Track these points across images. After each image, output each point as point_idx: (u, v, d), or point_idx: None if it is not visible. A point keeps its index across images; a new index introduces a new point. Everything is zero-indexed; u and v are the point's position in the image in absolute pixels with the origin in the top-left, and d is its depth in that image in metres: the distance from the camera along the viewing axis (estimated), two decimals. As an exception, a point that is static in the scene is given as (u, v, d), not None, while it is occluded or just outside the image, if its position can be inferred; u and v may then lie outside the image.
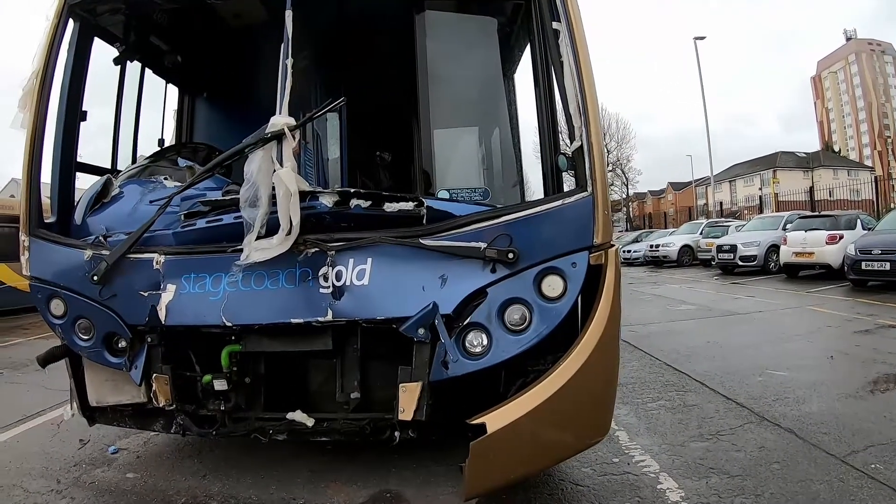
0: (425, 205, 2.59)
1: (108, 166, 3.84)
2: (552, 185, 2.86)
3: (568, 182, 2.74)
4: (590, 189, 2.46)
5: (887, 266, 10.31)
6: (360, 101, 3.70)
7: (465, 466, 2.33)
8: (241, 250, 2.47)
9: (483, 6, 3.33)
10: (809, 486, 2.91)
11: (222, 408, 2.84)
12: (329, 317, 2.53)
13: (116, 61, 3.72)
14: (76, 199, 3.26)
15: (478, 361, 2.46)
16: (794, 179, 46.24)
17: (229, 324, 2.63)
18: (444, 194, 3.06)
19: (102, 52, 3.49)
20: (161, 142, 4.44)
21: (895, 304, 8.82)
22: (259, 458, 3.49)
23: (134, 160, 3.97)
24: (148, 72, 4.12)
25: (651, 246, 22.65)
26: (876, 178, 28.90)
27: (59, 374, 3.36)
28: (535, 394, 2.34)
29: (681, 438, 3.67)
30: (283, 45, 2.64)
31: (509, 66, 3.79)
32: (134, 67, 3.94)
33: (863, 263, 10.75)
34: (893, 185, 32.30)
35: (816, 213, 17.34)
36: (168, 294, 2.70)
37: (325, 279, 2.53)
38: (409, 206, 2.58)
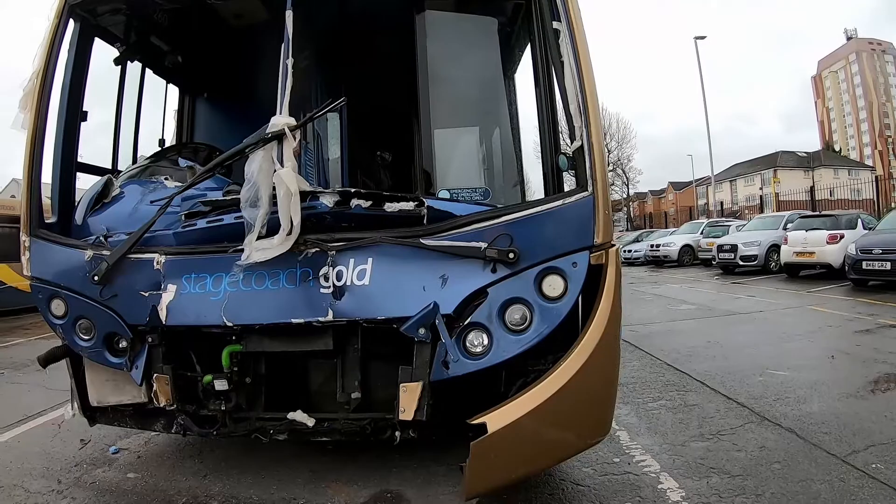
0: (426, 205, 2.59)
1: (109, 166, 3.85)
2: (553, 184, 2.86)
3: (568, 182, 2.74)
4: (590, 189, 2.46)
5: (888, 265, 10.30)
6: (361, 101, 3.70)
7: (465, 466, 2.33)
8: (242, 250, 2.48)
9: (483, 6, 3.33)
10: (810, 486, 2.91)
11: (223, 408, 2.84)
12: (330, 317, 2.53)
13: (117, 61, 3.73)
14: (77, 199, 3.26)
15: (478, 361, 2.46)
16: (794, 179, 46.14)
17: (230, 324, 2.63)
18: (444, 194, 3.06)
19: (103, 53, 3.49)
20: (162, 142, 4.44)
21: (896, 304, 8.82)
22: (260, 458, 3.50)
23: (134, 160, 3.97)
24: (148, 72, 4.12)
25: (652, 246, 22.64)
26: (876, 177, 28.83)
27: (60, 375, 3.37)
28: (535, 394, 2.34)
29: (681, 438, 3.67)
30: (283, 45, 2.64)
31: (510, 65, 3.79)
32: (134, 68, 3.94)
33: (863, 263, 10.74)
34: (894, 185, 32.27)
35: (817, 213, 17.36)
36: (169, 294, 2.70)
37: (326, 279, 2.54)
38: (410, 206, 2.58)
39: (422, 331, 2.47)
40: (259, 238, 2.45)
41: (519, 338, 2.44)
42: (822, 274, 13.34)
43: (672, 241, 22.01)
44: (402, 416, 2.51)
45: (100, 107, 3.66)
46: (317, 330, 2.63)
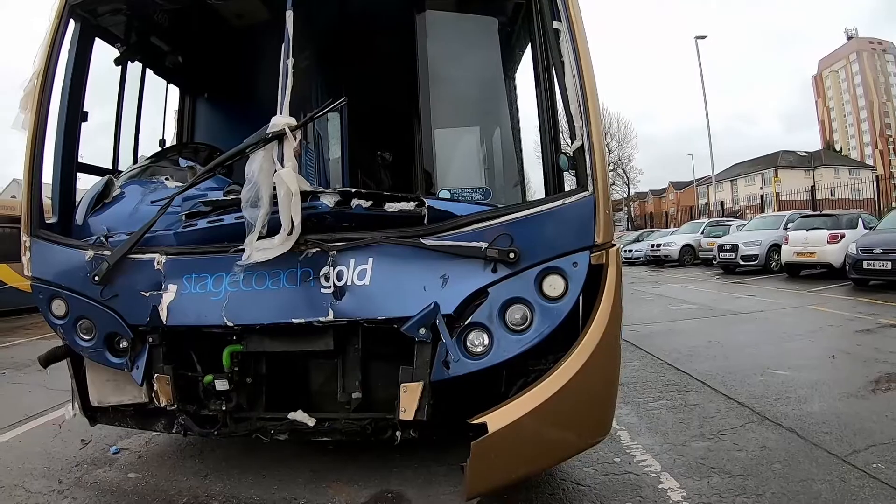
0: (426, 205, 2.59)
1: (110, 167, 3.85)
2: (553, 184, 2.85)
3: (569, 182, 2.74)
4: (591, 188, 2.45)
5: (889, 265, 10.29)
6: (361, 101, 3.70)
7: (466, 466, 2.33)
8: (243, 250, 2.48)
9: (484, 6, 3.33)
10: (811, 486, 2.90)
11: (224, 408, 2.84)
12: (330, 317, 2.53)
13: (117, 62, 3.73)
14: (77, 199, 3.27)
15: (479, 361, 2.46)
16: (795, 179, 46.12)
17: (230, 324, 2.63)
18: (445, 194, 3.06)
19: (103, 53, 3.49)
20: (162, 142, 4.44)
21: (897, 304, 8.82)
22: (260, 458, 3.50)
23: (135, 160, 3.98)
24: (149, 72, 4.13)
25: (652, 245, 22.63)
26: (877, 177, 28.80)
27: (61, 375, 3.37)
28: (536, 393, 2.34)
29: (682, 438, 3.66)
30: (283, 45, 2.64)
31: (510, 65, 3.79)
32: (135, 68, 3.95)
33: (864, 263, 10.74)
34: (895, 184, 32.21)
35: (818, 213, 17.33)
36: (169, 294, 2.70)
37: (327, 279, 2.54)
38: (410, 205, 2.58)
39: (422, 331, 2.47)
40: (260, 238, 2.45)
41: (519, 338, 2.43)
42: (822, 274, 13.33)
43: (673, 240, 22.00)
44: (402, 416, 2.51)
45: (100, 107, 3.67)
46: (317, 330, 2.63)
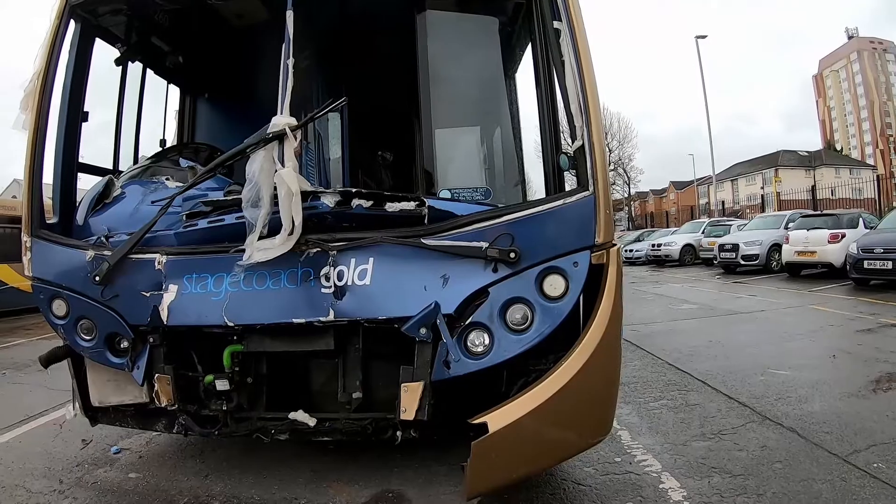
0: (427, 204, 2.59)
1: (110, 167, 3.85)
2: (554, 184, 2.85)
3: (569, 181, 2.74)
4: (591, 188, 2.45)
5: (889, 265, 10.29)
6: (362, 101, 3.70)
7: (466, 466, 2.33)
8: (244, 250, 2.48)
9: (484, 6, 3.33)
10: (811, 486, 2.90)
11: (224, 408, 2.84)
12: (331, 317, 2.53)
13: (118, 62, 3.73)
14: (78, 199, 3.27)
15: (479, 361, 2.46)
16: (795, 178, 46.06)
17: (231, 324, 2.63)
18: (445, 194, 3.06)
19: (104, 53, 3.50)
20: (163, 142, 4.44)
21: (897, 303, 8.81)
22: (261, 458, 3.50)
23: (136, 161, 3.98)
24: (149, 72, 4.13)
25: (653, 245, 22.64)
26: (878, 176, 28.73)
27: (62, 375, 3.37)
28: (536, 393, 2.33)
29: (683, 438, 3.66)
30: (284, 45, 2.64)
31: (510, 65, 3.79)
32: (135, 68, 3.95)
33: (865, 262, 10.73)
34: (895, 184, 32.18)
35: (818, 212, 17.33)
36: (170, 294, 2.71)
37: (327, 279, 2.54)
38: (411, 205, 2.58)
39: (423, 330, 2.47)
40: (260, 238, 2.45)
41: (520, 337, 2.43)
42: (823, 273, 13.33)
43: (673, 240, 22.00)
44: (403, 416, 2.51)
45: (101, 107, 3.67)
46: (318, 330, 2.63)
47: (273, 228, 2.44)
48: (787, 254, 13.95)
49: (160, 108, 4.40)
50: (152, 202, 3.06)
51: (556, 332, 2.42)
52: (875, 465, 3.10)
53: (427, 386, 2.49)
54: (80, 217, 3.16)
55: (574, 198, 2.46)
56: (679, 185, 72.41)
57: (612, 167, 48.39)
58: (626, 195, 56.17)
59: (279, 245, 2.44)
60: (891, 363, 5.27)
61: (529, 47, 3.10)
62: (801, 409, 4.08)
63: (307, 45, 3.16)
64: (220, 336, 2.78)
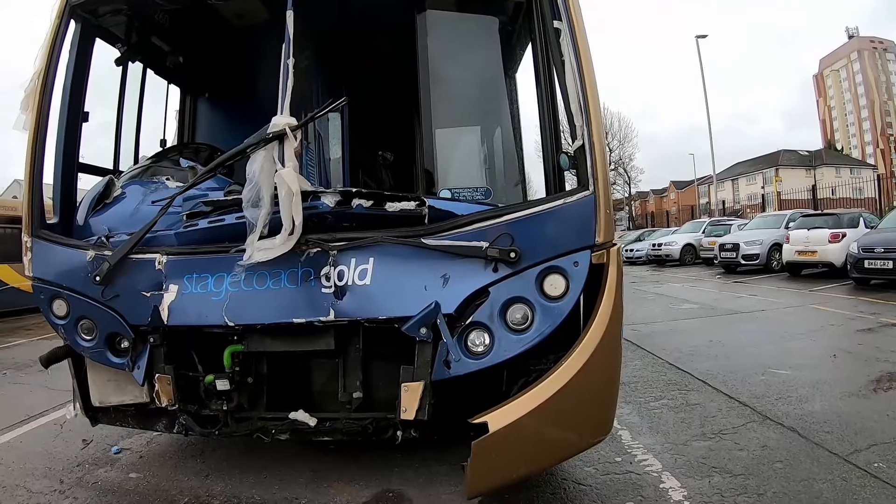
0: (427, 204, 2.59)
1: (111, 167, 3.86)
2: (554, 184, 2.85)
3: (570, 181, 2.74)
4: (591, 188, 2.45)
5: (890, 264, 10.28)
6: (362, 100, 3.70)
7: (467, 466, 2.33)
8: (244, 250, 2.48)
9: (484, 5, 3.33)
10: (812, 486, 2.90)
11: (225, 408, 2.84)
12: (331, 316, 2.54)
13: (118, 62, 3.74)
14: (78, 199, 3.27)
15: (480, 361, 2.46)
16: (796, 178, 46.08)
17: (231, 324, 2.63)
18: (446, 193, 3.06)
19: (104, 53, 3.50)
20: (163, 142, 4.44)
21: (898, 303, 8.80)
22: (261, 458, 3.50)
23: (136, 161, 3.98)
24: (150, 72, 4.13)
25: (653, 245, 22.62)
26: (878, 176, 28.69)
27: (62, 375, 3.37)
28: (537, 393, 2.33)
29: (683, 437, 3.66)
30: (284, 45, 2.64)
31: (511, 65, 3.79)
32: (136, 68, 3.95)
33: (865, 262, 10.72)
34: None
35: (819, 212, 17.33)
36: (170, 294, 2.71)
37: (328, 279, 2.54)
38: (411, 205, 2.58)
39: (423, 330, 2.47)
40: (261, 238, 2.46)
41: (520, 337, 2.43)
42: (824, 273, 13.32)
43: (674, 240, 21.98)
44: (403, 416, 2.51)
45: (101, 107, 3.68)
46: (318, 330, 2.63)
47: (273, 228, 2.44)
48: (788, 253, 13.95)
49: (160, 108, 4.40)
50: (152, 202, 3.06)
51: (557, 331, 2.42)
52: (876, 464, 3.09)
53: (427, 385, 2.49)
54: (80, 217, 3.16)
55: (574, 197, 2.46)
56: (679, 185, 72.39)
57: (612, 167, 48.41)
58: (626, 195, 56.14)
59: (279, 245, 2.44)
60: (891, 363, 5.27)
61: (529, 47, 3.11)
62: (801, 409, 4.08)
63: (307, 45, 3.16)
64: (220, 336, 2.78)
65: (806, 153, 62.18)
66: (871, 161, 69.68)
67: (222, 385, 2.80)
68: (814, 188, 27.79)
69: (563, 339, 2.43)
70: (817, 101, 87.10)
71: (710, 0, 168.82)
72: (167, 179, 3.46)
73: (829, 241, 12.88)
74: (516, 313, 2.44)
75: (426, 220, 2.58)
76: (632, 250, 24.05)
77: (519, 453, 2.41)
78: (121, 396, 3.04)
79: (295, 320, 2.58)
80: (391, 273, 2.52)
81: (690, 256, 20.90)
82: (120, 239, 2.86)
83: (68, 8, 3.06)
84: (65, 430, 4.15)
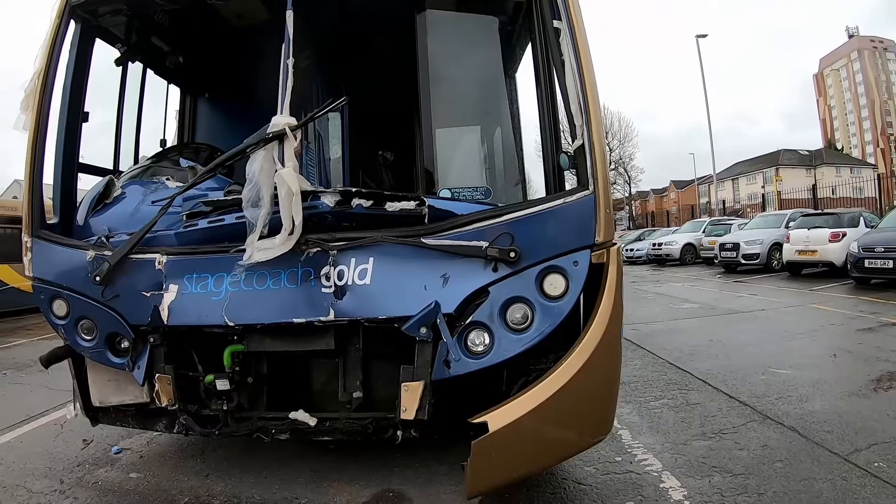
0: (427, 204, 2.59)
1: (111, 167, 3.86)
2: (554, 183, 2.85)
3: (570, 180, 2.74)
4: (591, 187, 2.45)
5: (890, 264, 10.28)
6: (362, 100, 3.70)
7: (467, 465, 2.33)
8: (244, 250, 2.48)
9: (484, 5, 3.33)
10: (812, 485, 2.90)
11: (225, 407, 2.84)
12: (331, 316, 2.54)
13: (118, 62, 3.74)
14: (78, 199, 3.27)
15: (480, 360, 2.46)
16: (796, 177, 46.06)
17: (231, 324, 2.63)
18: (445, 193, 3.06)
19: (104, 53, 3.50)
20: (163, 142, 4.44)
21: (898, 302, 8.80)
22: (262, 458, 3.50)
23: (136, 161, 3.98)
24: (150, 72, 4.13)
25: (654, 244, 22.61)
26: (879, 175, 28.62)
27: (62, 375, 3.38)
28: (536, 392, 2.33)
29: (683, 437, 3.66)
30: (283, 45, 2.64)
31: (510, 64, 3.79)
32: (135, 68, 3.95)
33: (866, 261, 10.72)
34: (896, 183, 32.13)
35: (819, 211, 17.33)
36: (170, 294, 2.71)
37: (327, 279, 2.54)
38: (411, 205, 2.58)
39: (423, 330, 2.47)
40: (261, 238, 2.46)
41: (520, 337, 2.43)
42: (824, 272, 13.32)
43: (674, 239, 21.97)
44: (403, 416, 2.51)
45: (101, 107, 3.68)
46: (318, 329, 2.63)
47: (273, 228, 2.45)
48: (788, 253, 13.95)
49: (160, 108, 4.40)
50: (152, 202, 3.07)
51: (557, 331, 2.42)
52: (876, 464, 3.09)
53: (427, 385, 2.49)
54: (80, 217, 3.16)
55: (574, 197, 2.46)
56: (680, 185, 72.39)
57: (612, 166, 48.42)
58: (626, 194, 56.13)
59: (279, 245, 2.44)
60: (891, 362, 5.26)
61: (529, 47, 3.10)
62: (801, 409, 4.08)
63: (307, 45, 3.16)
64: (220, 336, 2.78)
65: (806, 153, 62.13)
66: (871, 160, 69.62)
67: (222, 385, 2.80)
68: (814, 188, 27.79)
69: (563, 339, 2.43)
70: (817, 101, 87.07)
71: (710, 0, 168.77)
72: (167, 179, 3.46)
73: (830, 241, 12.88)
74: (516, 313, 2.44)
75: (426, 220, 2.58)
76: (632, 250, 24.05)
77: (519, 453, 2.41)
78: (121, 396, 3.04)
79: (295, 320, 2.58)
80: (391, 273, 2.52)
81: (691, 256, 20.90)
82: (120, 239, 2.86)
83: (68, 8, 3.06)
84: (65, 430, 4.15)
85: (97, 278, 2.75)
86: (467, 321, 2.47)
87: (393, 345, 2.60)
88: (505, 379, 2.63)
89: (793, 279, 13.36)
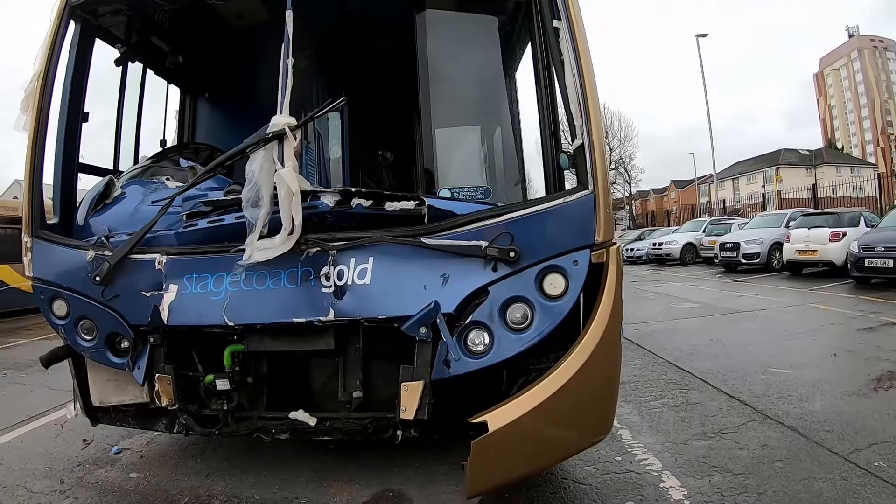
0: (426, 204, 2.59)
1: (111, 167, 3.86)
2: (553, 183, 2.85)
3: (569, 180, 2.73)
4: (591, 187, 2.45)
5: (890, 263, 10.28)
6: (362, 100, 3.70)
7: (466, 465, 2.33)
8: (244, 250, 2.48)
9: (483, 5, 3.33)
10: (812, 485, 2.90)
11: (225, 407, 2.84)
12: (331, 316, 2.54)
13: (118, 62, 3.73)
14: (78, 200, 3.27)
15: (479, 360, 2.46)
16: (796, 177, 46.08)
17: (231, 323, 2.64)
18: (445, 193, 3.06)
19: (104, 54, 3.50)
20: (163, 142, 4.44)
21: (899, 302, 8.80)
22: (262, 458, 3.50)
23: (136, 161, 3.98)
24: (149, 72, 4.13)
25: (654, 244, 22.61)
26: (879, 175, 28.62)
27: (63, 375, 3.38)
28: (536, 392, 2.33)
29: (683, 437, 3.66)
30: (283, 45, 2.64)
31: (510, 64, 3.79)
32: (135, 68, 3.95)
33: (866, 261, 10.72)
34: (896, 182, 32.11)
35: (819, 211, 17.34)
36: (170, 294, 2.71)
37: (327, 278, 2.54)
38: (411, 205, 2.58)
39: (423, 330, 2.47)
40: (260, 238, 2.46)
41: (520, 336, 2.43)
42: (824, 272, 13.32)
43: (674, 239, 21.97)
44: (403, 415, 2.51)
45: (101, 107, 3.68)
46: (318, 329, 2.63)
47: (273, 228, 2.44)
48: (788, 252, 13.95)
49: (160, 108, 4.40)
50: (152, 202, 3.07)
51: (556, 330, 2.42)
52: (876, 463, 3.09)
53: (427, 385, 2.49)
54: (80, 217, 3.16)
55: (574, 196, 2.46)
56: (680, 184, 72.39)
57: (612, 166, 48.42)
58: (627, 194, 56.12)
59: (279, 245, 2.44)
60: (892, 362, 5.26)
61: (529, 46, 3.10)
62: (802, 408, 4.08)
63: (307, 44, 3.16)
64: (220, 336, 2.78)
65: (806, 152, 62.15)
66: (871, 160, 69.60)
67: (222, 385, 2.80)
68: (814, 187, 27.81)
69: (563, 339, 2.43)
70: (817, 100, 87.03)
71: (709, 1, 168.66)
72: (167, 179, 3.46)
73: (830, 240, 12.88)
74: (516, 312, 2.44)
75: (426, 220, 2.58)
76: (632, 249, 24.06)
77: (519, 452, 2.41)
78: (121, 396, 3.05)
79: (295, 320, 2.58)
80: (391, 272, 2.52)
81: (691, 256, 20.91)
82: (120, 239, 2.86)
83: (68, 8, 3.06)
84: (65, 430, 4.15)
85: (97, 278, 2.75)
86: (467, 321, 2.47)
87: (393, 344, 2.60)
88: (505, 378, 2.63)
89: (793, 279, 13.36)
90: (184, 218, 2.79)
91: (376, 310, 2.53)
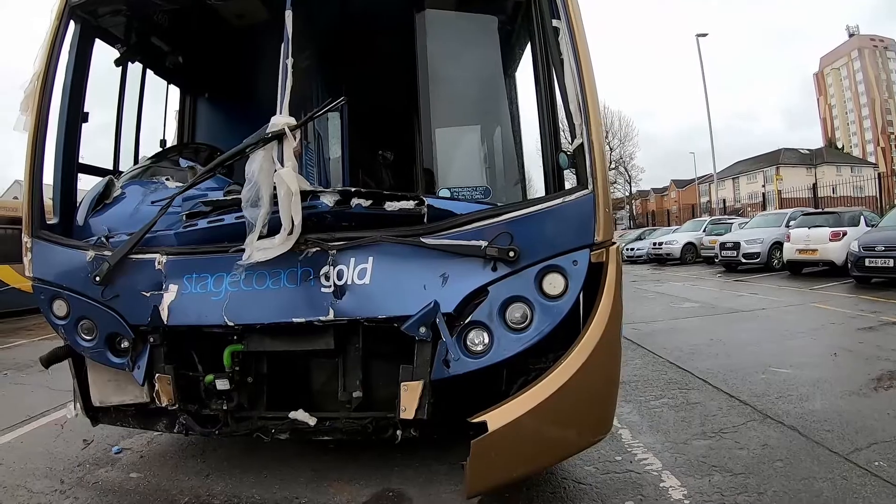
0: (426, 203, 2.59)
1: (110, 167, 3.86)
2: (553, 183, 2.85)
3: (569, 180, 2.73)
4: (591, 187, 2.45)
5: (891, 262, 10.27)
6: (362, 100, 3.70)
7: (466, 465, 2.33)
8: (243, 250, 2.48)
9: (483, 5, 3.33)
10: (812, 484, 2.90)
11: (225, 407, 2.84)
12: (331, 316, 2.54)
13: (118, 63, 3.74)
14: (78, 200, 3.27)
15: (479, 360, 2.46)
16: (797, 176, 46.06)
17: (231, 323, 2.64)
18: (445, 193, 3.06)
19: (104, 54, 3.50)
20: (163, 142, 4.44)
21: (899, 301, 8.80)
22: (262, 458, 3.50)
23: (136, 161, 3.98)
24: (149, 72, 4.13)
25: (654, 244, 22.62)
26: (879, 174, 28.64)
27: (63, 375, 3.38)
28: (536, 392, 2.33)
29: (683, 436, 3.66)
30: (283, 44, 2.65)
31: (510, 64, 3.79)
32: (135, 68, 3.95)
33: (866, 260, 10.72)
34: (897, 182, 32.10)
35: (820, 210, 17.34)
36: (170, 294, 2.71)
37: (327, 278, 2.54)
38: (410, 204, 2.57)
39: (422, 329, 2.47)
40: (260, 238, 2.46)
41: (519, 336, 2.43)
42: (824, 271, 13.32)
43: (675, 239, 21.98)
44: (403, 415, 2.51)
45: (101, 108, 3.68)
46: (318, 329, 2.64)
47: (273, 228, 2.44)
48: (789, 252, 13.95)
49: (160, 108, 4.41)
50: (152, 202, 3.07)
51: (556, 330, 2.42)
52: (876, 463, 3.09)
53: (427, 385, 2.49)
54: (80, 217, 3.16)
55: (573, 196, 2.46)
56: (680, 184, 72.37)
57: (612, 166, 48.42)
58: (627, 194, 56.12)
59: (279, 245, 2.44)
60: (892, 361, 5.26)
61: (529, 46, 3.10)
62: (802, 408, 4.07)
63: (307, 45, 3.16)
64: (220, 336, 2.78)
65: (806, 151, 62.11)
66: (871, 159, 69.60)
67: (222, 385, 2.80)
68: (814, 186, 27.78)
69: (563, 338, 2.43)
70: (818, 100, 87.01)
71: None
72: (167, 179, 3.46)
73: (830, 240, 12.88)
74: (515, 312, 2.44)
75: (425, 220, 2.58)
76: (633, 249, 24.06)
77: (518, 452, 2.41)
78: (121, 396, 3.05)
79: (294, 320, 2.58)
80: (390, 272, 2.52)
81: (691, 255, 20.92)
82: (120, 239, 2.86)
83: (68, 8, 3.06)
84: (65, 430, 4.15)
85: (97, 278, 2.75)
86: (466, 321, 2.47)
87: (392, 344, 2.60)
88: (504, 378, 2.63)
89: (793, 278, 13.36)
90: (183, 218, 2.79)
91: (376, 310, 2.53)
